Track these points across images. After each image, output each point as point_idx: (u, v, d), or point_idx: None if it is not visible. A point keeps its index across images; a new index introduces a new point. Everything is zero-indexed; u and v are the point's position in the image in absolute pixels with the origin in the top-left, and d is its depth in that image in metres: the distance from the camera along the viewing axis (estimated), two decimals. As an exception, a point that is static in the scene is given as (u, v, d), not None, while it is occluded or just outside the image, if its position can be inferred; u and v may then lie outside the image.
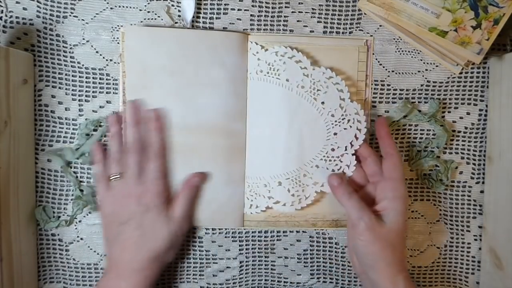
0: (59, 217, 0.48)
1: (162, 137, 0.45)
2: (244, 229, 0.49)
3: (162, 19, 0.47)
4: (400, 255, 0.42)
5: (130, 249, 0.42)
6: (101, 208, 0.45)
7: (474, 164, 0.50)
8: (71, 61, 0.47)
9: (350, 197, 0.43)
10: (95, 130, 0.47)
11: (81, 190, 0.47)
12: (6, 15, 0.46)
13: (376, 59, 0.48)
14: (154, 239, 0.42)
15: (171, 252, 0.45)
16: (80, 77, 0.47)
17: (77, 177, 0.48)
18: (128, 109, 0.45)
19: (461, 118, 0.49)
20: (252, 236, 0.50)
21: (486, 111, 0.49)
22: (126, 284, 0.41)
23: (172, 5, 0.47)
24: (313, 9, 0.48)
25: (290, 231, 0.50)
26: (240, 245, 0.50)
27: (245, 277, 0.50)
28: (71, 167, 0.47)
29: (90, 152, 0.46)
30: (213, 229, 0.49)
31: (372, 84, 0.48)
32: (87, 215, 0.48)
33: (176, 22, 0.47)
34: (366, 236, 0.41)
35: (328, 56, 0.47)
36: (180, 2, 0.47)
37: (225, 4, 0.47)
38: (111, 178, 0.44)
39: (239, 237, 0.50)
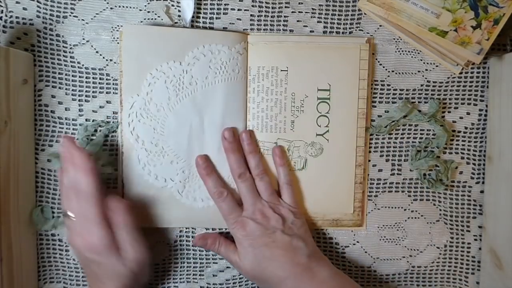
0: (59, 217, 0.48)
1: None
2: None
3: (162, 19, 0.47)
4: None
5: None
6: None
7: (474, 164, 0.50)
8: (71, 61, 0.47)
9: (219, 248, 0.47)
10: (95, 131, 0.47)
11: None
12: (6, 15, 0.46)
13: (376, 59, 0.48)
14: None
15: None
16: (80, 77, 0.47)
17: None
18: None
19: (461, 118, 0.49)
20: (252, 236, 0.50)
21: (486, 111, 0.49)
22: None
23: (172, 5, 0.47)
24: (313, 9, 0.48)
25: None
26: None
27: (245, 277, 0.50)
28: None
29: (97, 153, 0.47)
30: (213, 229, 0.49)
31: (372, 84, 0.48)
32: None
33: (176, 22, 0.47)
34: (239, 270, 0.46)
35: (329, 54, 0.47)
36: (179, 2, 0.47)
37: (225, 4, 0.47)
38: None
39: (239, 237, 0.50)
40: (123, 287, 0.41)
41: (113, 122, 0.47)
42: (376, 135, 0.49)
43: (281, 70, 0.46)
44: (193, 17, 0.47)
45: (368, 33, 0.48)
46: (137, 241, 0.42)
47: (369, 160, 0.49)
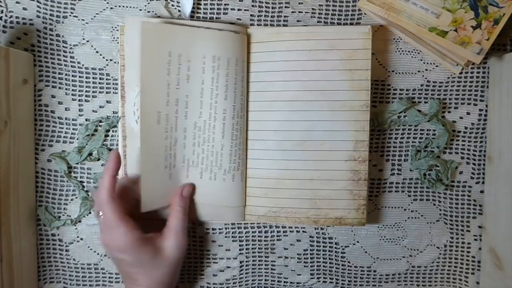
0: (59, 217, 0.48)
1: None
2: (245, 228, 0.49)
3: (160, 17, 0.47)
4: None
5: None
6: None
7: (474, 164, 0.50)
8: (71, 61, 0.47)
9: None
10: (95, 130, 0.47)
11: (86, 191, 0.48)
12: (6, 15, 0.46)
13: (376, 59, 0.48)
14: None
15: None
16: (80, 77, 0.47)
17: (76, 177, 0.48)
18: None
19: (461, 118, 0.49)
20: (252, 236, 0.50)
21: (486, 111, 0.49)
22: None
23: (172, 5, 0.47)
24: (313, 9, 0.48)
25: (290, 231, 0.50)
26: (240, 245, 0.50)
27: (245, 277, 0.50)
28: (71, 169, 0.47)
29: (98, 150, 0.47)
30: (213, 229, 0.49)
31: (372, 84, 0.48)
32: (88, 215, 0.48)
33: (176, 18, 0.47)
34: None
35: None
36: (179, 2, 0.47)
37: (225, 4, 0.47)
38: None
39: (239, 237, 0.50)
40: (155, 285, 0.41)
41: (114, 116, 0.47)
42: (377, 131, 0.49)
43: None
44: (192, 12, 0.47)
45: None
46: (182, 235, 0.43)
47: (369, 160, 0.49)
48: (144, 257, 0.41)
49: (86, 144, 0.47)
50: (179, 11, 0.47)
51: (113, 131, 0.47)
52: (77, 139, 0.47)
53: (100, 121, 0.47)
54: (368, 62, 0.46)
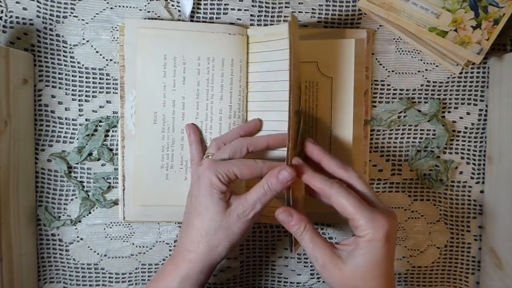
0: (59, 217, 0.48)
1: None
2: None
3: (160, 17, 0.47)
4: None
5: None
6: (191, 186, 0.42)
7: (474, 164, 0.50)
8: (71, 61, 0.47)
9: (303, 236, 0.37)
10: (95, 130, 0.47)
11: (86, 191, 0.48)
12: (6, 15, 0.46)
13: (376, 59, 0.48)
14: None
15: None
16: (80, 77, 0.47)
17: (76, 177, 0.48)
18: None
19: (461, 118, 0.49)
20: (253, 236, 0.50)
21: (486, 111, 0.49)
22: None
23: (172, 5, 0.47)
24: (313, 9, 0.48)
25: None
26: (240, 245, 0.50)
27: (245, 277, 0.50)
28: (71, 169, 0.47)
29: (98, 150, 0.47)
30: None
31: (372, 84, 0.48)
32: (88, 215, 0.48)
33: (178, 20, 0.47)
34: (324, 277, 0.36)
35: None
36: (179, 2, 0.47)
37: (225, 4, 0.47)
38: (205, 156, 0.42)
39: (239, 237, 0.50)
40: (210, 234, 0.38)
41: (113, 116, 0.47)
42: (377, 131, 0.49)
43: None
44: (192, 12, 0.47)
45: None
46: (255, 207, 0.38)
47: (369, 160, 0.49)
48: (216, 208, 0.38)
49: (86, 144, 0.47)
50: (179, 11, 0.47)
51: (113, 131, 0.47)
52: (77, 139, 0.47)
53: (100, 121, 0.47)
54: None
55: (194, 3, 0.46)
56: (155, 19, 0.47)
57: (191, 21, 0.47)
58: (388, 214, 0.35)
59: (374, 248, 0.34)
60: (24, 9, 0.46)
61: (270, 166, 0.39)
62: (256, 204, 0.38)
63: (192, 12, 0.47)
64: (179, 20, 0.47)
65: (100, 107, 0.47)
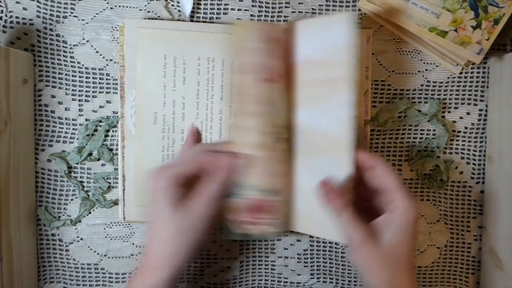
0: (59, 217, 0.48)
1: None
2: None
3: (160, 17, 0.47)
4: (404, 279, 0.36)
5: None
6: None
7: (474, 164, 0.50)
8: (71, 61, 0.47)
9: (344, 209, 0.37)
10: (95, 130, 0.47)
11: (86, 191, 0.48)
12: (6, 15, 0.46)
13: (376, 59, 0.48)
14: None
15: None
16: (80, 77, 0.47)
17: (76, 177, 0.48)
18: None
19: (461, 118, 0.49)
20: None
21: (486, 111, 0.49)
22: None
23: (172, 5, 0.47)
24: (313, 9, 0.48)
25: (290, 231, 0.50)
26: (240, 245, 0.50)
27: (245, 277, 0.50)
28: (71, 169, 0.47)
29: (98, 150, 0.47)
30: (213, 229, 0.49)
31: (372, 84, 0.48)
32: (88, 215, 0.48)
33: (178, 20, 0.47)
34: (360, 255, 0.36)
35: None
36: (179, 2, 0.47)
37: (225, 4, 0.47)
38: None
39: (239, 237, 0.50)
40: (172, 239, 0.37)
41: (113, 117, 0.47)
42: (377, 131, 0.49)
43: None
44: (192, 12, 0.47)
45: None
46: (213, 201, 0.38)
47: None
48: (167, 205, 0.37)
49: (86, 144, 0.47)
50: (179, 11, 0.47)
51: (113, 131, 0.47)
52: (77, 139, 0.47)
53: (100, 121, 0.47)
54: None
55: (194, 3, 0.47)
56: (155, 19, 0.47)
57: (191, 21, 0.47)
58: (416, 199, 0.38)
59: (409, 224, 0.36)
60: (24, 9, 0.46)
61: (214, 156, 0.39)
62: (211, 199, 0.38)
63: (192, 12, 0.47)
64: (179, 20, 0.47)
65: (100, 107, 0.47)
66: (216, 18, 0.47)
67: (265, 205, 0.40)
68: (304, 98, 0.41)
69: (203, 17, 0.47)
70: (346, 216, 0.37)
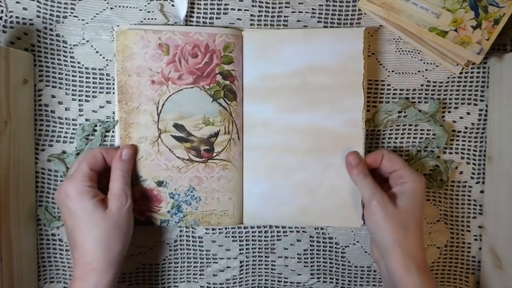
0: (59, 217, 0.48)
1: None
2: (245, 228, 0.49)
3: (156, 19, 0.47)
4: (414, 240, 0.41)
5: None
6: None
7: (474, 164, 0.50)
8: (71, 61, 0.47)
9: (365, 176, 0.43)
10: (94, 131, 0.47)
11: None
12: (6, 15, 0.46)
13: (376, 59, 0.48)
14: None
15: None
16: (80, 77, 0.47)
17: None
18: None
19: (461, 118, 0.49)
20: (252, 236, 0.50)
21: (486, 111, 0.49)
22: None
23: (172, 5, 0.47)
24: (313, 9, 0.48)
25: (290, 231, 0.50)
26: (240, 245, 0.50)
27: (245, 277, 0.50)
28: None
29: None
30: (213, 229, 0.49)
31: (372, 84, 0.48)
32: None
33: (175, 23, 0.47)
34: (378, 215, 0.41)
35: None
36: (173, 1, 0.46)
37: (225, 4, 0.47)
38: None
39: (239, 236, 0.50)
40: (97, 243, 0.40)
41: (110, 120, 0.47)
42: (377, 131, 0.49)
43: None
44: (192, 12, 0.47)
45: (368, 33, 0.48)
46: (125, 192, 0.42)
47: (369, 160, 0.49)
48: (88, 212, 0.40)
49: (85, 146, 0.47)
50: (175, 16, 0.47)
51: (112, 131, 0.47)
52: (76, 142, 0.47)
53: (96, 125, 0.47)
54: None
55: (194, 4, 0.46)
56: (149, 24, 0.46)
57: (186, 24, 0.47)
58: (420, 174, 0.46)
59: (417, 193, 0.43)
60: (24, 9, 0.46)
61: (108, 150, 0.44)
62: (124, 189, 0.42)
63: (192, 12, 0.47)
64: (175, 23, 0.47)
65: (100, 107, 0.47)
66: (216, 18, 0.47)
67: (153, 195, 0.46)
68: (311, 102, 0.46)
69: (203, 17, 0.47)
70: (369, 180, 0.43)
